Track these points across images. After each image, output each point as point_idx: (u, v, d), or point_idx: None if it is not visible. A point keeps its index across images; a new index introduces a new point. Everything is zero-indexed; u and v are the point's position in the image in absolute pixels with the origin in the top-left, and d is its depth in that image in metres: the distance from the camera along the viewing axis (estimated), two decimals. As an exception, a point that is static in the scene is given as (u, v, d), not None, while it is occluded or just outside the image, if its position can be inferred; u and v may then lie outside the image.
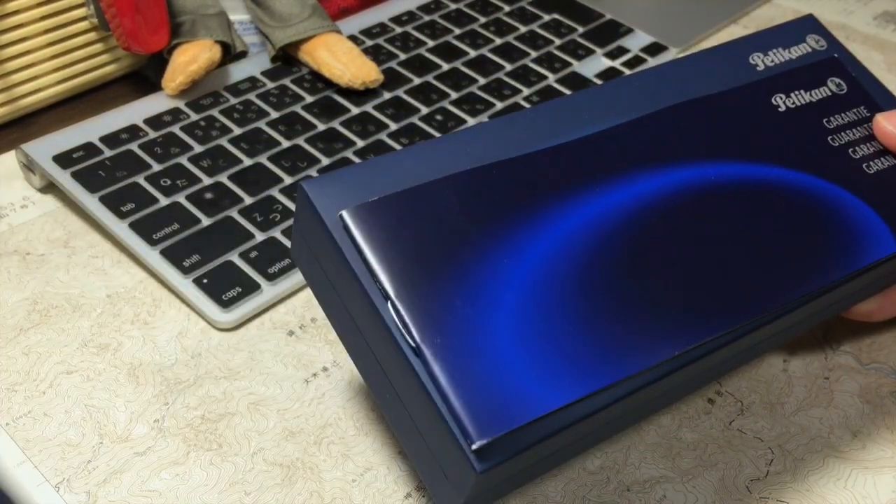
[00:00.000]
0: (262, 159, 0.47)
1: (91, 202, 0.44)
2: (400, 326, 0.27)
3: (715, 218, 0.31)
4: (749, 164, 0.33)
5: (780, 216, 0.32)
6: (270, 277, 0.41)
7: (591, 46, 0.59)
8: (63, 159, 0.46)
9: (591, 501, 0.34)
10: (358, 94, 0.52)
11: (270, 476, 0.35)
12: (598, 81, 0.56)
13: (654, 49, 0.59)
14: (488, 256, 0.28)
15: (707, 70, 0.35)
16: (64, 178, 0.45)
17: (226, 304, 0.40)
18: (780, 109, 0.35)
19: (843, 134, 0.35)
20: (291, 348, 0.40)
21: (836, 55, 0.37)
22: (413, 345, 0.27)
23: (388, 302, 0.27)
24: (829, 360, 0.39)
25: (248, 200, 0.45)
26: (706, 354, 0.29)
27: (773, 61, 0.36)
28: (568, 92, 0.54)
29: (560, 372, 0.27)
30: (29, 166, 0.47)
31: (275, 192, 0.46)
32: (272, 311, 0.41)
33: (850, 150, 0.35)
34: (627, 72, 0.57)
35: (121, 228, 0.43)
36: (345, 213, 0.28)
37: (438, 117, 0.51)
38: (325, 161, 0.48)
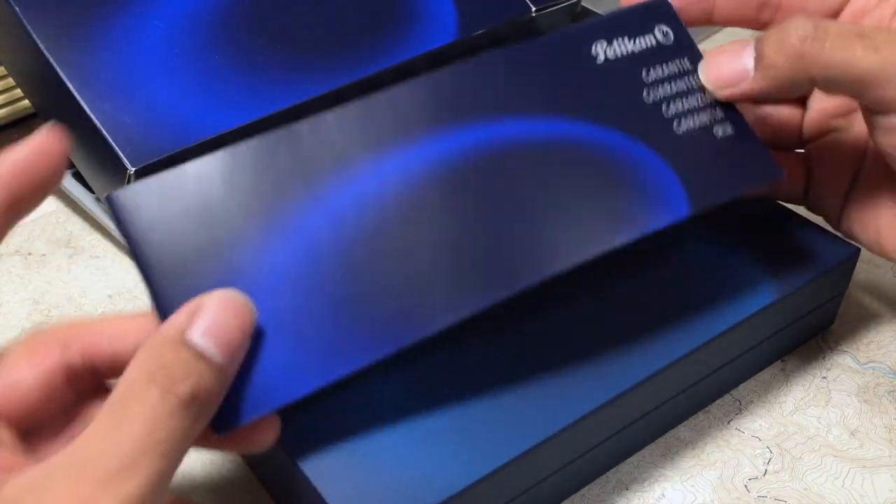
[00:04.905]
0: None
1: (92, 202, 0.44)
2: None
3: (499, 180, 0.30)
4: (551, 118, 0.31)
5: (571, 175, 0.30)
6: (271, 277, 0.41)
7: (591, 47, 0.59)
8: (64, 160, 0.46)
9: (590, 500, 0.34)
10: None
11: (271, 475, 0.35)
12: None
13: (653, 50, 0.59)
14: (251, 237, 0.28)
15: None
16: (65, 178, 0.45)
17: (226, 304, 0.40)
18: (598, 61, 0.33)
19: (659, 88, 0.33)
20: (292, 348, 0.40)
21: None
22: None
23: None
24: (826, 360, 0.39)
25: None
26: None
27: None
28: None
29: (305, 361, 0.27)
30: (30, 167, 0.47)
31: (275, 192, 0.46)
32: (272, 311, 0.41)
33: (662, 107, 0.33)
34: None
35: (122, 229, 0.43)
36: (112, 195, 0.28)
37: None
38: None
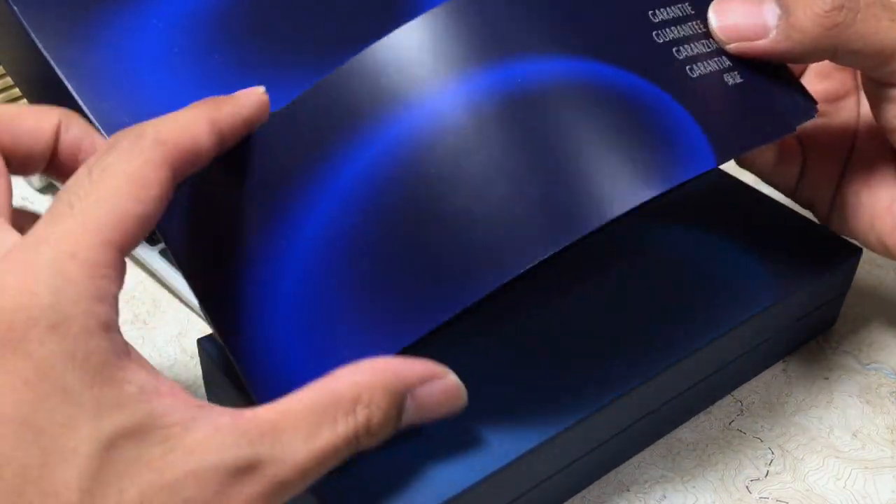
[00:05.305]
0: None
1: (91, 203, 0.44)
2: None
3: (525, 123, 0.27)
4: (565, 58, 0.28)
5: (595, 120, 0.28)
6: (270, 278, 0.41)
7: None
8: (63, 160, 0.46)
9: (591, 501, 0.34)
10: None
11: (270, 476, 0.35)
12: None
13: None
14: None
15: None
16: (64, 178, 0.45)
17: (225, 305, 0.40)
18: None
19: (668, 30, 0.31)
20: (291, 348, 0.39)
21: None
22: None
23: None
24: (828, 361, 0.39)
25: (248, 201, 0.45)
26: None
27: None
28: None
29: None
30: (29, 167, 0.47)
31: (274, 192, 0.46)
32: (272, 312, 0.41)
33: (674, 50, 0.31)
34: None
35: (120, 229, 0.43)
36: None
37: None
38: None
